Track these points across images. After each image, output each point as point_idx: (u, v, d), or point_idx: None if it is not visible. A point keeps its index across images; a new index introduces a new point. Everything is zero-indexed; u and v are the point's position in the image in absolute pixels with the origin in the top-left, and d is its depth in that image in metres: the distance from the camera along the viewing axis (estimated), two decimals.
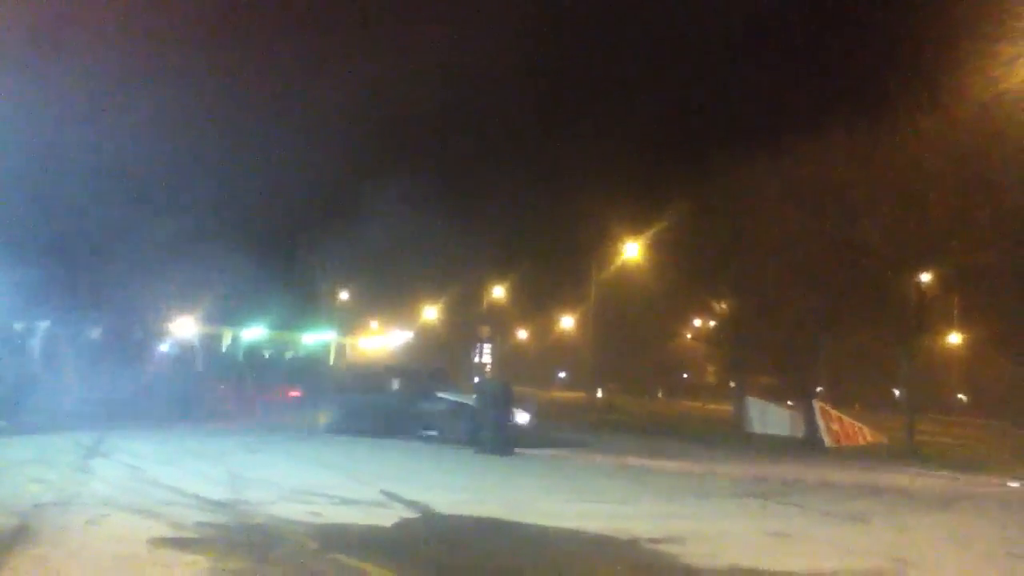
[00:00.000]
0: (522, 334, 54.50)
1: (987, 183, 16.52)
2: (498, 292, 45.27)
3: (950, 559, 7.78)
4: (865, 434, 23.18)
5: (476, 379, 30.25)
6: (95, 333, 20.37)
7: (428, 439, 16.86)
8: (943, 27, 15.56)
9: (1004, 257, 16.59)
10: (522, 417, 18.13)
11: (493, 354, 49.69)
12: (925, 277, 21.88)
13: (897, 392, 27.86)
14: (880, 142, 17.75)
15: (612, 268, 32.35)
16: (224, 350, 32.30)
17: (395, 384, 18.75)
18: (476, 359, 48.35)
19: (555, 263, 38.85)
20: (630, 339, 44.92)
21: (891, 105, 18.10)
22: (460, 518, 8.47)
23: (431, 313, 47.41)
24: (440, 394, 17.72)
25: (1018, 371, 18.77)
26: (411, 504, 8.87)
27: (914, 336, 22.84)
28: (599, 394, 42.79)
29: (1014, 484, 14.72)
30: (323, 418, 18.50)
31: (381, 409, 17.69)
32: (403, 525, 7.88)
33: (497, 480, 11.60)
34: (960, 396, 38.13)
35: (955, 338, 32.02)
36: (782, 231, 21.39)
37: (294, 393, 24.53)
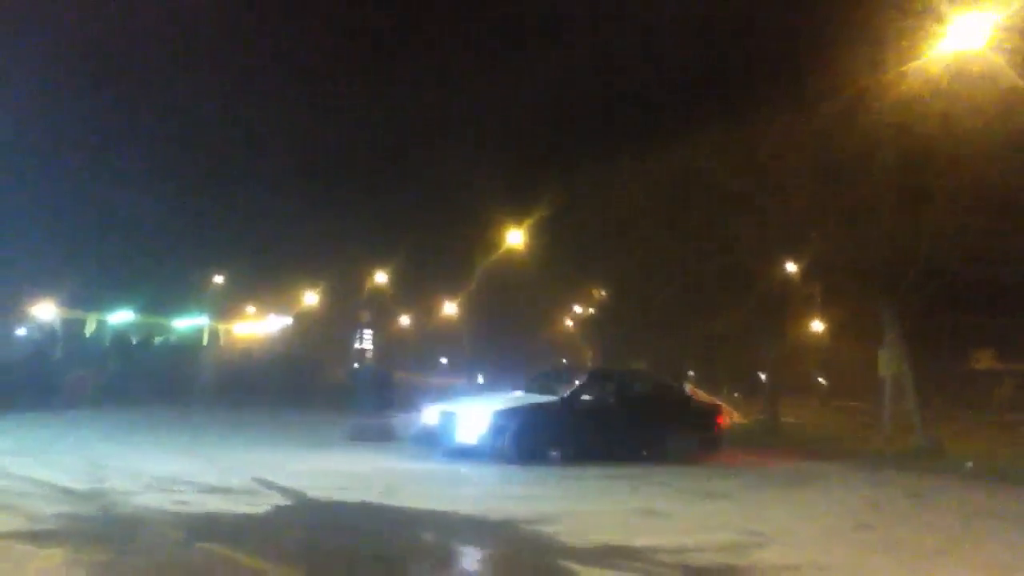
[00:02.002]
0: (404, 320, 54.12)
1: (842, 174, 17.47)
2: (380, 278, 44.75)
3: (804, 531, 8.27)
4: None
5: (355, 365, 29.97)
6: None
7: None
8: (820, 24, 16.27)
9: (858, 246, 17.60)
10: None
11: (374, 340, 49.19)
12: (790, 267, 23.03)
13: (763, 376, 29.26)
14: (744, 134, 18.50)
15: (494, 255, 32.52)
16: (88, 335, 30.80)
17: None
18: (356, 345, 47.75)
19: (438, 249, 38.69)
20: (510, 325, 45.36)
21: (755, 97, 18.91)
22: (330, 503, 8.40)
23: (311, 298, 46.42)
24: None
25: (869, 355, 20.04)
26: (282, 490, 8.74)
27: (778, 322, 24.03)
28: (479, 380, 43.09)
29: (863, 465, 15.72)
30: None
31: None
32: (273, 512, 7.75)
33: (372, 467, 11.54)
34: (820, 380, 40.32)
35: (818, 325, 33.84)
36: (649, 222, 22.10)
37: None
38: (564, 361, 41.87)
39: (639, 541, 7.07)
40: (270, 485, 9.02)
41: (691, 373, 33.73)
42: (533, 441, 12.54)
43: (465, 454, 12.39)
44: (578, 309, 45.31)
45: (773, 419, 23.43)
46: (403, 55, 44.04)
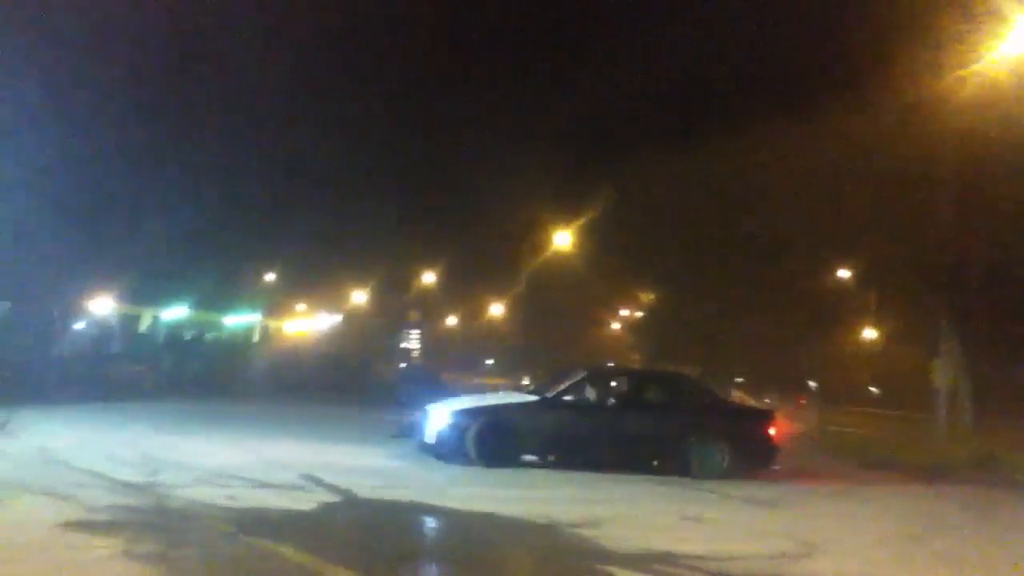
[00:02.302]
0: (451, 320, 54.43)
1: (900, 180, 17.15)
2: (428, 278, 45.06)
3: (853, 542, 8.13)
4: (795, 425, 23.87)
5: (402, 364, 30.18)
6: (3, 308, 19.70)
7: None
8: (869, 27, 16.03)
9: (915, 253, 17.27)
10: None
11: (421, 339, 49.55)
12: (843, 273, 22.67)
13: (813, 384, 28.80)
14: (798, 138, 18.26)
15: (542, 256, 32.54)
16: (143, 330, 31.53)
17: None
18: (403, 344, 48.16)
19: (486, 250, 38.85)
20: (557, 327, 45.30)
21: (810, 102, 18.67)
22: (378, 501, 8.48)
23: (360, 297, 46.95)
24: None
25: (924, 363, 19.62)
26: (331, 488, 8.84)
27: (829, 329, 23.69)
28: (525, 381, 43.10)
29: (916, 476, 15.37)
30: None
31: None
32: (322, 509, 7.86)
33: (418, 465, 11.62)
34: (872, 388, 39.55)
35: (871, 333, 33.23)
36: (699, 225, 21.96)
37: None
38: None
39: (684, 548, 7.01)
40: (318, 481, 9.14)
41: (739, 380, 33.33)
42: (499, 443, 11.61)
43: (442, 454, 11.88)
44: (625, 312, 45.10)
45: (824, 427, 23.07)
46: (455, 56, 44.28)
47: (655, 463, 12.24)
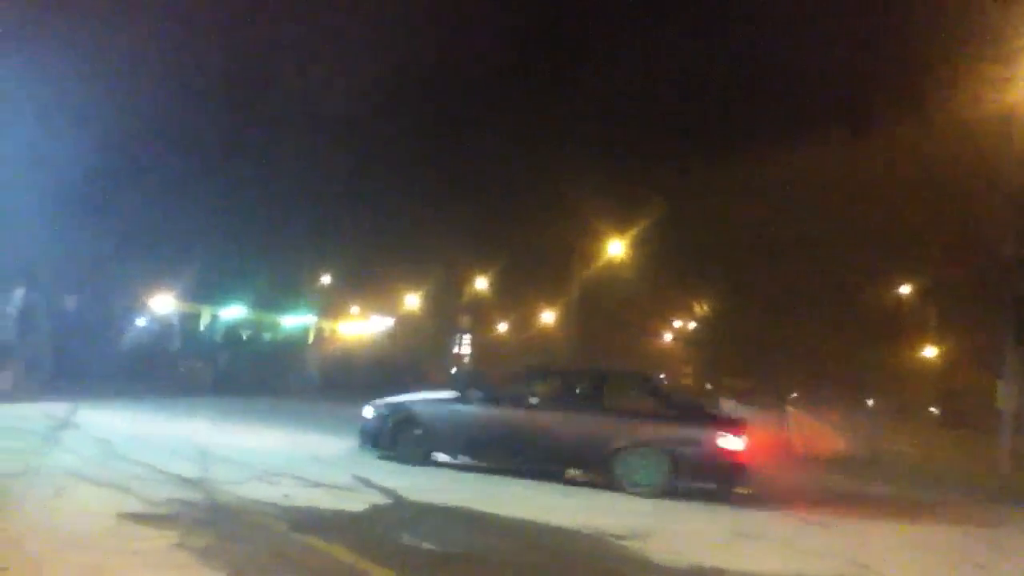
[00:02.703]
0: (502, 326, 54.50)
1: (964, 197, 16.73)
2: (480, 284, 45.23)
3: (911, 565, 7.91)
4: (837, 443, 23.37)
5: (454, 370, 30.26)
6: (71, 303, 20.26)
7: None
8: (928, 40, 15.70)
9: (979, 270, 16.81)
10: None
11: (472, 345, 49.68)
12: (905, 289, 22.16)
13: (870, 402, 28.16)
14: (861, 151, 17.91)
15: (595, 265, 32.42)
16: (202, 329, 32.17)
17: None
18: (455, 349, 48.32)
19: (538, 257, 38.87)
20: (609, 337, 45.07)
21: (874, 116, 18.31)
22: (428, 505, 8.50)
23: (413, 301, 47.32)
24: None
25: (989, 384, 19.07)
26: (382, 489, 8.90)
27: (887, 346, 23.14)
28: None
29: (977, 497, 14.92)
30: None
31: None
32: (372, 510, 7.91)
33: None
34: (932, 409, 38.51)
35: (931, 351, 32.37)
36: (760, 234, 21.65)
37: None
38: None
39: (734, 564, 6.89)
40: (368, 483, 9.20)
41: (794, 395, 32.69)
42: (411, 440, 11.08)
43: (366, 446, 11.57)
44: (678, 324, 44.66)
45: (883, 448, 22.48)
46: (514, 63, 44.44)
47: (575, 472, 11.09)
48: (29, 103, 17.98)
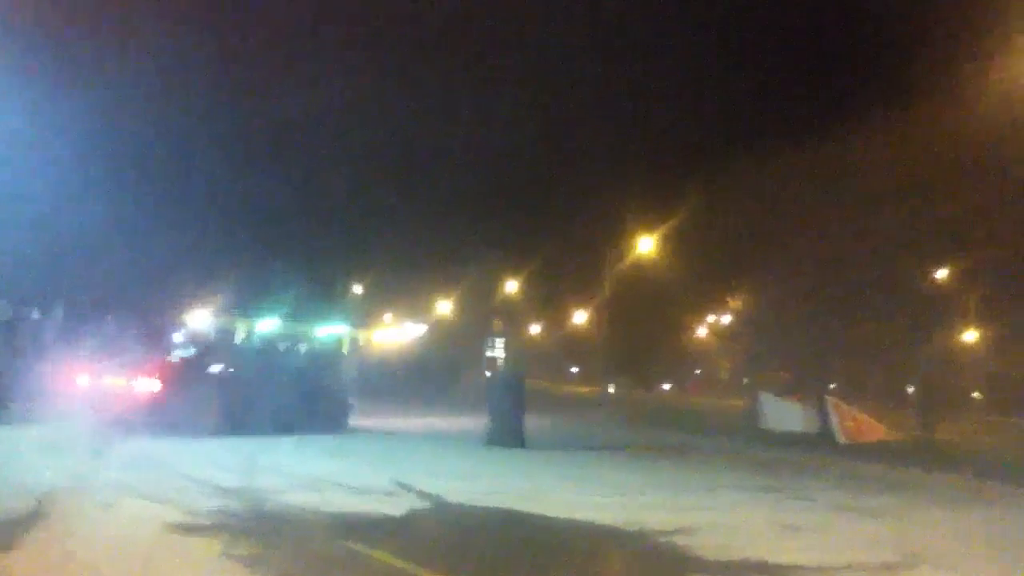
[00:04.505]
0: (534, 328, 54.47)
1: (1006, 176, 16.35)
2: (511, 286, 45.24)
3: (965, 555, 7.71)
4: (879, 431, 23.03)
5: (488, 373, 30.27)
6: (110, 324, 20.48)
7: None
8: (967, 18, 15.38)
9: (1021, 251, 16.42)
10: None
11: (506, 348, 49.70)
12: (942, 272, 21.76)
13: (911, 389, 27.69)
14: (899, 132, 17.55)
15: (626, 263, 32.24)
16: (238, 342, 32.46)
17: None
18: (489, 353, 48.38)
19: (568, 257, 38.85)
20: (643, 334, 44.82)
21: (911, 95, 17.96)
22: (470, 508, 8.49)
23: (444, 307, 47.47)
24: None
25: None
26: (422, 494, 8.90)
27: (930, 332, 22.72)
28: (611, 389, 42.72)
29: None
30: None
31: None
32: (414, 514, 7.91)
33: (508, 471, 11.62)
34: (975, 395, 37.78)
35: (971, 335, 31.77)
36: (798, 222, 21.32)
37: None
38: None
39: (781, 558, 6.79)
40: (409, 488, 9.21)
41: (833, 385, 32.26)
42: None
43: None
44: (712, 318, 44.30)
45: (928, 435, 22.11)
46: (540, 63, 44.40)
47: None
48: (58, 116, 18.29)
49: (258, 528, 6.85)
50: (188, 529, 6.55)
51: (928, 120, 16.76)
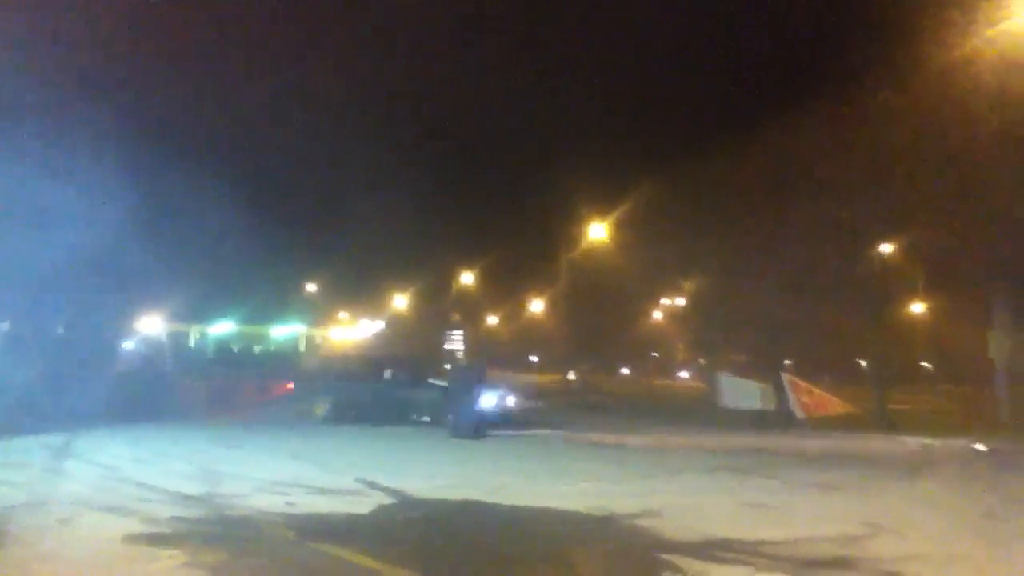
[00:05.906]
0: (493, 319, 54.47)
1: (946, 158, 16.74)
2: (467, 279, 45.16)
3: (923, 523, 7.90)
4: (836, 405, 23.49)
5: (448, 366, 30.19)
6: (59, 330, 20.05)
7: (419, 425, 17.58)
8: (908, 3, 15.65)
9: (965, 230, 16.86)
10: (511, 400, 18.69)
11: (465, 340, 49.60)
12: (889, 249, 22.22)
13: (864, 363, 28.30)
14: (844, 117, 17.87)
15: (580, 250, 32.38)
16: (192, 346, 32.02)
17: (387, 373, 19.14)
18: (447, 346, 48.24)
19: (523, 247, 38.89)
20: (599, 320, 45.10)
21: (854, 79, 18.25)
22: (436, 502, 8.47)
23: (401, 302, 47.24)
24: (432, 381, 18.54)
25: (978, 339, 19.17)
26: (388, 491, 8.85)
27: (879, 306, 23.23)
28: (570, 375, 42.97)
29: (980, 447, 15.00)
30: (317, 410, 18.75)
31: (374, 398, 18.30)
32: (380, 511, 7.86)
33: (472, 463, 11.62)
34: (924, 364, 38.75)
35: (918, 307, 32.54)
36: (746, 208, 21.65)
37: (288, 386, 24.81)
38: None
39: (746, 535, 6.88)
40: (373, 485, 9.15)
41: (788, 362, 32.82)
42: None
43: None
44: (667, 301, 44.66)
45: (880, 406, 22.61)
46: (487, 53, 44.20)
47: None
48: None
49: (223, 534, 6.74)
50: (150, 539, 6.41)
51: (875, 106, 17.08)
